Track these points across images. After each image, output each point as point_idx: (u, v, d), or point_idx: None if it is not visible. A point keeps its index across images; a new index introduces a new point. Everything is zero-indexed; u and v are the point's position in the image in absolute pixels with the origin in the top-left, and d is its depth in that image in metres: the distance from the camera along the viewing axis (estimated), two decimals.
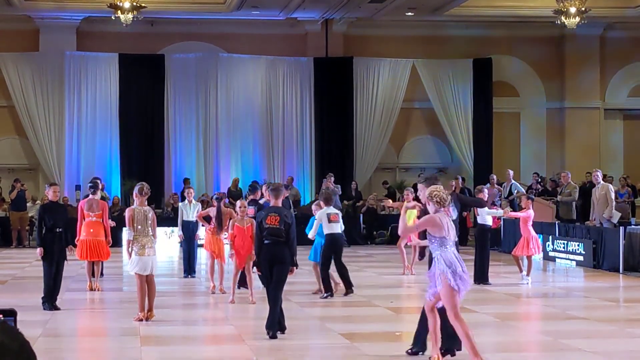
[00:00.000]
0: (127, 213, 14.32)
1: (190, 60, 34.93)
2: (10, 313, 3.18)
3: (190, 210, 21.20)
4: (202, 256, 22.36)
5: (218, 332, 14.05)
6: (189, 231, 21.25)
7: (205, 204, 22.09)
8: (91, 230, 18.35)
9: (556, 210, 27.58)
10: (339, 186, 31.36)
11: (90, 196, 18.94)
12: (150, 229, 14.25)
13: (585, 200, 29.07)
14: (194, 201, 21.64)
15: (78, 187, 33.06)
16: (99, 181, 20.43)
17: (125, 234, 14.61)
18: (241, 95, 35.12)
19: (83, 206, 18.72)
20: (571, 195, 27.35)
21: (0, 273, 22.31)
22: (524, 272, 20.27)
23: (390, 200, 24.96)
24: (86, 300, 17.75)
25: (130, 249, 14.19)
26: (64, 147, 34.01)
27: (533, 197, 22.92)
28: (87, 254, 18.33)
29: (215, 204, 19.65)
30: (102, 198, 20.73)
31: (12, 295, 17.83)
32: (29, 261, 25.41)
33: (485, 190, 20.02)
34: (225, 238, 18.85)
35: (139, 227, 14.17)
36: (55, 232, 15.64)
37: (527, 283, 19.94)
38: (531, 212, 20.42)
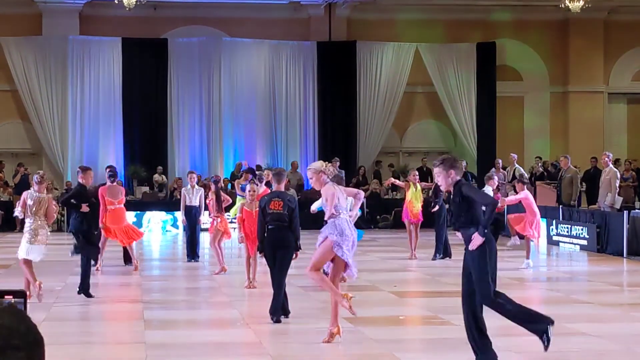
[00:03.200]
0: (23, 195, 14.59)
1: (193, 45, 34.86)
2: (21, 294, 3.21)
3: (193, 196, 21.18)
4: (205, 240, 22.35)
5: (222, 316, 14.05)
6: (191, 216, 21.20)
7: (207, 188, 22.08)
8: (116, 217, 19.38)
9: (557, 195, 27.49)
10: (342, 171, 31.33)
11: (109, 183, 19.49)
12: (44, 217, 14.45)
13: (589, 184, 29.04)
14: (196, 186, 21.62)
15: None
16: (115, 169, 20.93)
17: (18, 212, 14.97)
18: (244, 80, 35.07)
19: (105, 193, 19.31)
20: (572, 180, 27.26)
21: (4, 257, 22.34)
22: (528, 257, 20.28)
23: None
24: (90, 284, 17.72)
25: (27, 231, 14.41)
26: (67, 132, 34.01)
27: (525, 180, 22.63)
28: (121, 238, 19.47)
29: (213, 187, 19.83)
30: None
31: (15, 279, 17.81)
32: None
33: (495, 178, 19.87)
34: (231, 220, 18.94)
35: (32, 214, 14.39)
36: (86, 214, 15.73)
37: (527, 267, 19.90)
38: (524, 195, 20.12)
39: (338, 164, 31.37)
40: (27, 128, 34.54)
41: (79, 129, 34.21)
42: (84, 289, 15.34)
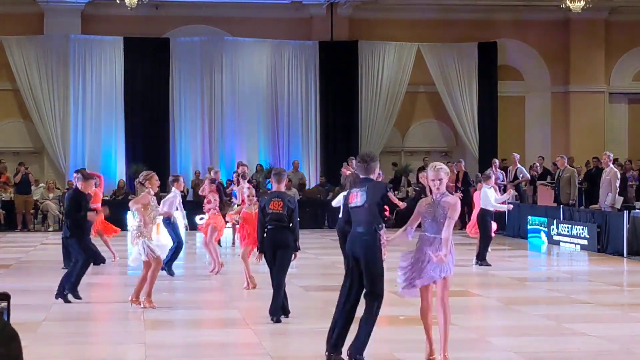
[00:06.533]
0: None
1: (195, 44, 34.88)
2: (5, 296, 3.24)
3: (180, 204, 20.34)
4: (197, 240, 22.32)
5: (222, 316, 14.06)
6: (178, 226, 19.53)
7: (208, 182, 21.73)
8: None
9: (555, 195, 27.48)
10: None
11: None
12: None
13: (590, 184, 29.02)
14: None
15: None
16: None
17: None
18: (246, 79, 35.09)
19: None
20: (570, 179, 27.23)
21: (5, 257, 22.35)
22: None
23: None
24: (90, 285, 17.76)
25: None
26: (69, 131, 34.03)
27: (480, 179, 22.35)
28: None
29: (212, 184, 19.77)
30: None
31: (16, 279, 17.86)
32: (33, 245, 25.46)
33: (493, 177, 19.88)
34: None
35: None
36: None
37: (473, 265, 20.06)
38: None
39: (354, 162, 31.24)
40: (28, 127, 34.56)
41: (81, 128, 34.23)
42: (70, 289, 14.83)
